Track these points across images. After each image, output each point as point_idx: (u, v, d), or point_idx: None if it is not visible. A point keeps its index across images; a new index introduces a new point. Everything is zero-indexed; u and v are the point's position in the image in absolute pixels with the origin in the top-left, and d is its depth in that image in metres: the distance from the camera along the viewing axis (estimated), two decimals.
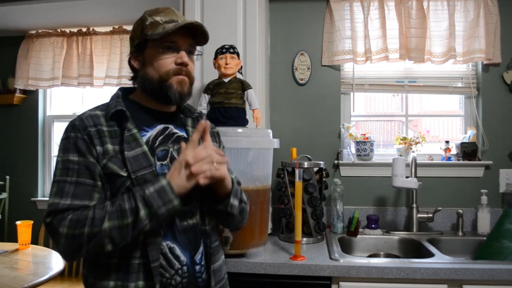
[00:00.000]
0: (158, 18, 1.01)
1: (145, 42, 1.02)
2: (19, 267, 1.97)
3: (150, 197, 0.87)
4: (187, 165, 0.90)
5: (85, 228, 0.86)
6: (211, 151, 0.93)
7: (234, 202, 1.05)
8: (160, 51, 1.01)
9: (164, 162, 0.99)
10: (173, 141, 1.04)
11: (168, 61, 1.01)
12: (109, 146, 0.94)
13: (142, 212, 0.87)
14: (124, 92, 1.08)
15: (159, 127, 1.04)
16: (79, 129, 0.94)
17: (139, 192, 0.88)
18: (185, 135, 1.08)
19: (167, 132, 1.05)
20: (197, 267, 1.01)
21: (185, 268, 0.97)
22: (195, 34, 1.06)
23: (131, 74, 1.11)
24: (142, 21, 1.03)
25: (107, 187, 0.94)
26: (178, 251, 0.97)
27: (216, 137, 1.20)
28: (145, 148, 0.97)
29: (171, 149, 1.02)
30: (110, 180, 0.93)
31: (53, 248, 2.35)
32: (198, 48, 1.11)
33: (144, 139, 0.99)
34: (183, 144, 0.96)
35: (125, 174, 0.92)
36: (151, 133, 1.02)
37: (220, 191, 1.01)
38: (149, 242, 0.92)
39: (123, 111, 0.97)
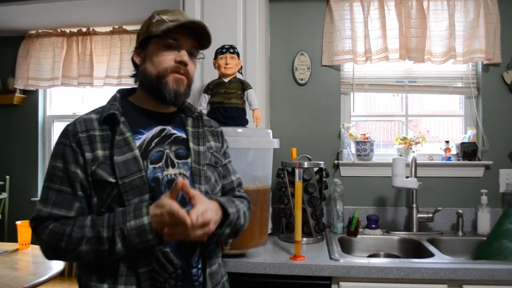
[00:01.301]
0: (164, 17, 1.01)
1: (149, 39, 1.03)
2: (19, 267, 1.97)
3: (129, 233, 0.88)
4: (165, 226, 0.87)
5: (62, 243, 0.90)
6: (193, 216, 0.85)
7: (226, 230, 1.02)
8: (161, 48, 1.01)
9: (157, 165, 0.98)
10: (170, 142, 1.04)
11: (167, 58, 1.01)
12: (99, 152, 0.94)
13: (119, 246, 0.88)
14: (122, 94, 1.09)
15: (156, 129, 1.04)
16: (69, 135, 0.96)
17: (120, 225, 0.88)
18: (183, 135, 1.08)
19: (163, 133, 1.04)
20: (194, 270, 1.00)
21: (179, 271, 0.96)
22: (198, 37, 1.06)
23: (132, 73, 1.11)
24: (150, 19, 1.04)
25: (92, 194, 0.94)
26: (171, 255, 0.95)
27: (219, 137, 1.19)
28: (137, 152, 0.96)
29: (167, 150, 1.01)
30: (100, 186, 0.94)
31: None
32: (204, 52, 1.11)
33: (139, 142, 0.99)
34: (174, 189, 0.89)
35: (113, 181, 0.92)
36: (146, 135, 1.01)
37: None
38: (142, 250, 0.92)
39: (115, 115, 0.97)
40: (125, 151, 0.95)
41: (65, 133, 0.97)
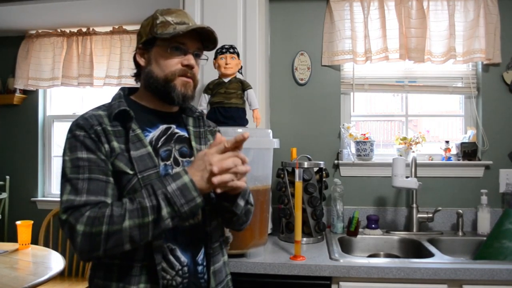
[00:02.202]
0: (169, 18, 1.01)
1: (154, 40, 1.02)
2: (19, 267, 1.97)
3: (173, 195, 0.84)
4: (211, 172, 0.86)
5: (103, 226, 0.83)
6: (238, 161, 0.89)
7: (241, 202, 1.03)
8: (168, 51, 1.01)
9: (167, 163, 1.00)
10: (175, 141, 1.04)
11: (174, 62, 1.02)
12: (115, 144, 0.94)
13: (165, 211, 0.84)
14: (125, 93, 1.08)
15: (162, 127, 1.04)
16: (85, 128, 0.94)
17: (161, 189, 0.85)
18: (186, 134, 1.08)
19: (169, 132, 1.05)
20: (199, 268, 1.01)
21: (186, 268, 0.97)
22: (204, 39, 1.06)
23: (133, 72, 1.11)
24: (153, 19, 1.02)
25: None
26: (178, 252, 0.97)
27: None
28: (150, 148, 0.97)
29: (173, 149, 1.03)
30: (116, 177, 0.93)
31: (54, 248, 2.35)
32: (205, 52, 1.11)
33: (148, 139, 0.99)
34: (213, 143, 0.92)
35: (131, 172, 0.92)
36: (153, 133, 1.02)
37: (232, 192, 0.99)
38: (155, 246, 0.92)
39: (127, 111, 0.97)
40: (139, 147, 0.95)
41: (78, 126, 0.94)
